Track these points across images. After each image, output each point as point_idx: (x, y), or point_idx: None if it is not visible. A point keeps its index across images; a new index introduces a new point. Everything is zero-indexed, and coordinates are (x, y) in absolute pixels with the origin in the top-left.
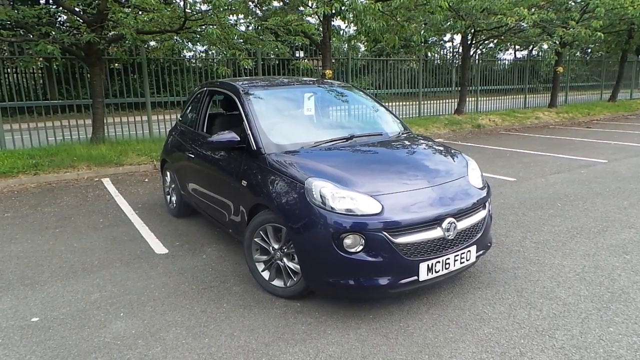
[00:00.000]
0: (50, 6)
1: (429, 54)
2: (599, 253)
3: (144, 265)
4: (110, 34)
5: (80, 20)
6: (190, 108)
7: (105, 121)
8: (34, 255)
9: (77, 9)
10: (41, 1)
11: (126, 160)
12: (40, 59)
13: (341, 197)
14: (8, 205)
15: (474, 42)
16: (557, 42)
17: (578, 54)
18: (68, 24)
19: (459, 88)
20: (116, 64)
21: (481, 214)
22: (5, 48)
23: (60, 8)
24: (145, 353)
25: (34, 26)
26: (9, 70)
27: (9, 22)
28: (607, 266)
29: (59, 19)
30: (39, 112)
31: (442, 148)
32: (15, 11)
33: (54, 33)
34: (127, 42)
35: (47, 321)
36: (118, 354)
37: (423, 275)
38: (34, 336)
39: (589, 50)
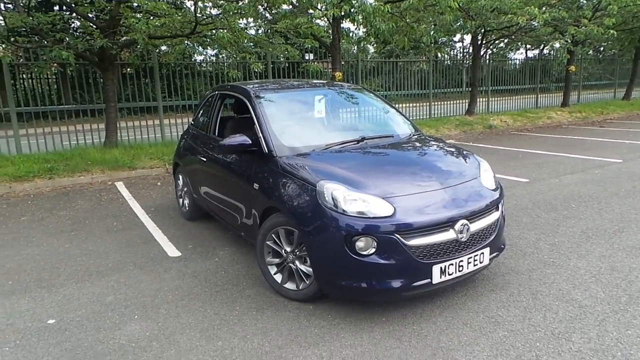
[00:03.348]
0: (64, 13)
1: (439, 55)
2: (616, 254)
3: (157, 268)
4: (123, 39)
5: (94, 26)
6: (202, 112)
7: (118, 125)
8: (49, 258)
9: (90, 15)
10: (55, 8)
11: (139, 164)
12: (55, 64)
13: (353, 200)
14: (24, 209)
15: (484, 42)
16: (569, 41)
17: (591, 52)
18: (81, 30)
19: (470, 88)
20: (128, 69)
21: (494, 216)
22: (20, 54)
23: (74, 14)
24: (159, 355)
25: (48, 32)
26: (24, 76)
27: (24, 29)
28: (623, 268)
29: (73, 25)
30: (54, 117)
31: (453, 149)
32: (30, 18)
33: (68, 39)
34: (139, 47)
35: (63, 323)
36: (133, 356)
37: (436, 277)
38: (50, 338)
39: (602, 48)
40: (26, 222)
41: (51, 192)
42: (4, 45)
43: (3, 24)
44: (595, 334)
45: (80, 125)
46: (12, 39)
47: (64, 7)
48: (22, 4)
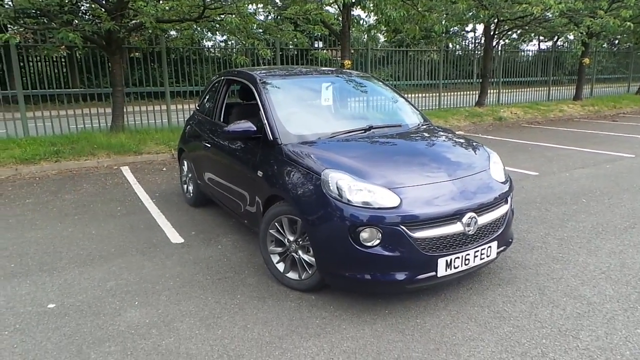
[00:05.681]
0: None
1: (450, 45)
2: (626, 251)
3: (159, 254)
4: (131, 22)
5: (102, 9)
6: (207, 97)
7: (125, 110)
8: (52, 241)
9: None
10: None
11: (145, 149)
12: (63, 47)
13: (358, 190)
14: (29, 192)
15: (497, 32)
16: (584, 33)
17: (605, 45)
18: (90, 13)
19: (481, 80)
20: (136, 53)
21: (503, 209)
22: (29, 36)
23: None
24: (158, 343)
25: (56, 14)
26: (32, 58)
27: (33, 11)
28: (634, 265)
29: (82, 7)
30: (61, 100)
31: (462, 140)
32: None
33: (76, 21)
34: (147, 30)
35: (63, 308)
36: (132, 343)
37: (441, 271)
38: (50, 322)
39: (617, 41)
40: (31, 204)
41: (57, 176)
42: (12, 27)
43: (11, 5)
44: (604, 332)
45: (87, 109)
46: (21, 21)
47: None
48: None
